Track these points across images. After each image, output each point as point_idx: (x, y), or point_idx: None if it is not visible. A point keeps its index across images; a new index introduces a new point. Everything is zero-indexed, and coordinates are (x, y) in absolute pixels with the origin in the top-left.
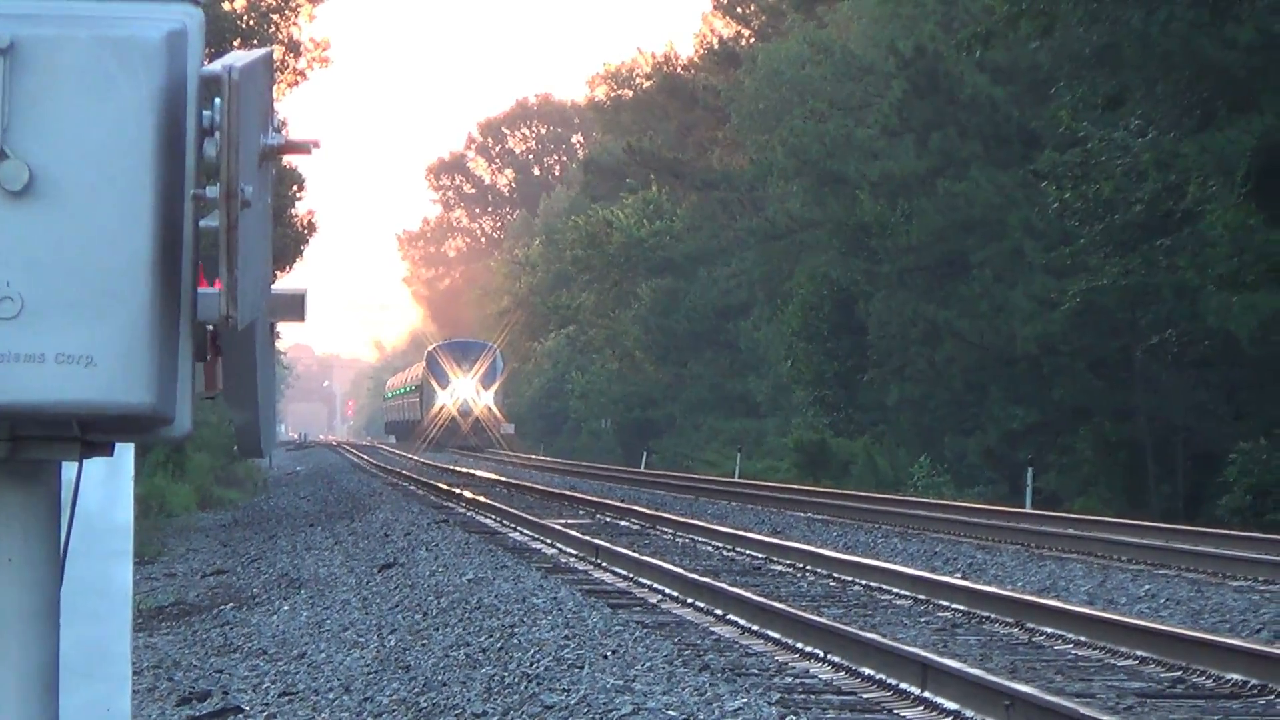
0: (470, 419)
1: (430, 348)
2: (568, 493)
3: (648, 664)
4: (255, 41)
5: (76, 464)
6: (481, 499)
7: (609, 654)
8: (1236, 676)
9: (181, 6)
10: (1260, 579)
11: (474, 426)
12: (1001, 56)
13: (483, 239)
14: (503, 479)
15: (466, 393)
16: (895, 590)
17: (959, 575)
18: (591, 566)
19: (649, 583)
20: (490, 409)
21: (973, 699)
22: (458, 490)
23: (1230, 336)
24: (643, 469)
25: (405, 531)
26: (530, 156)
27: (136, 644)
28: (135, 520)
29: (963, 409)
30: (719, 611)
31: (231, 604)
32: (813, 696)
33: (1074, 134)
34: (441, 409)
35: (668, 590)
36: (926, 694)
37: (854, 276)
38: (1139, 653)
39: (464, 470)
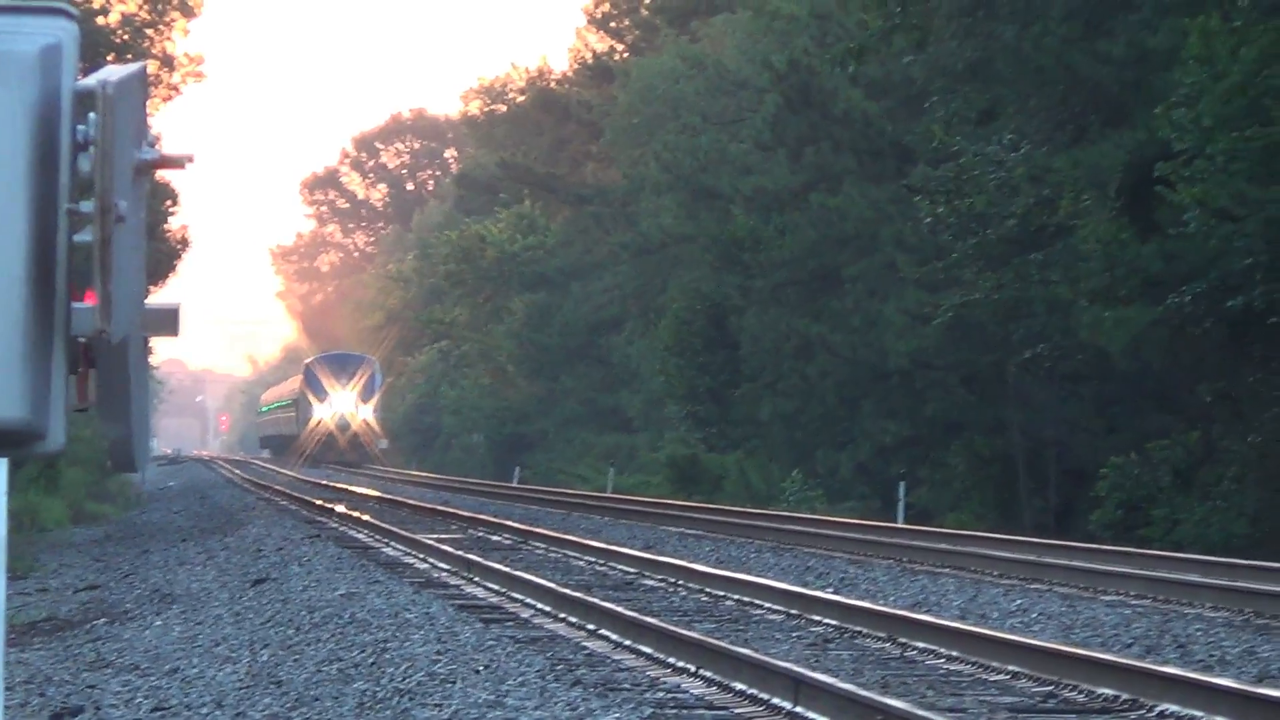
0: (348, 433)
1: (308, 360)
2: (441, 508)
3: (520, 679)
4: (129, 56)
5: None
6: (355, 514)
7: (481, 669)
8: (1108, 691)
9: (56, 21)
10: (1132, 593)
11: (352, 441)
12: (875, 71)
13: (356, 254)
14: (376, 494)
15: (345, 406)
16: (768, 605)
17: (831, 590)
18: (464, 581)
19: (521, 598)
20: (368, 423)
21: (845, 714)
22: (331, 506)
23: (1102, 351)
24: (515, 484)
25: (278, 547)
26: (404, 171)
27: (8, 659)
28: (7, 535)
29: (835, 424)
30: (591, 626)
31: (104, 619)
32: (685, 712)
33: (947, 148)
34: (319, 423)
35: (540, 605)
36: (799, 709)
37: (727, 291)
38: (1011, 667)
39: (339, 486)
